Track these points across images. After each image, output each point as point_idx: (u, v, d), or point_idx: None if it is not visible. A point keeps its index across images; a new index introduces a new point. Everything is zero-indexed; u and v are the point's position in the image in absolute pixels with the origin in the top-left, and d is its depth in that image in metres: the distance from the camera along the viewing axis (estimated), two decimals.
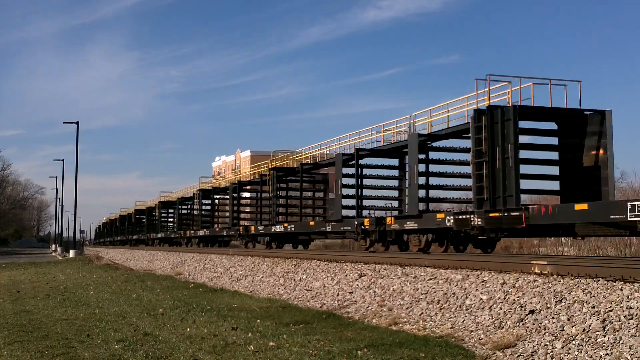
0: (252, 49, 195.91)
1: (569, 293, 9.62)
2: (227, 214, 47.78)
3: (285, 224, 31.68)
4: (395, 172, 27.04)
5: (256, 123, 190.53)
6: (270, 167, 35.17)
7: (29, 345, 9.76)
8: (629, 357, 7.35)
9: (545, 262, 11.84)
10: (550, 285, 10.26)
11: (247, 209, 44.12)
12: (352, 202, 26.52)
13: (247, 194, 46.08)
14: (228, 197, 46.27)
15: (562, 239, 30.97)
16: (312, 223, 29.86)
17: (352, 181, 26.36)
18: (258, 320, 11.82)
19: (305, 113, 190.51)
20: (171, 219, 63.24)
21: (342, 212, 26.24)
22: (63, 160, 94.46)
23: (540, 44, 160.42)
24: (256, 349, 8.99)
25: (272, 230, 32.61)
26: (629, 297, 8.71)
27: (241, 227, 37.33)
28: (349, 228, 24.90)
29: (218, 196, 49.52)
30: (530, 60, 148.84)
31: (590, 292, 9.36)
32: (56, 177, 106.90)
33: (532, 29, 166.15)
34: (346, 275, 15.99)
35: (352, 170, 26.35)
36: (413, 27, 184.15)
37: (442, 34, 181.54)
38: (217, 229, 44.05)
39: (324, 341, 9.48)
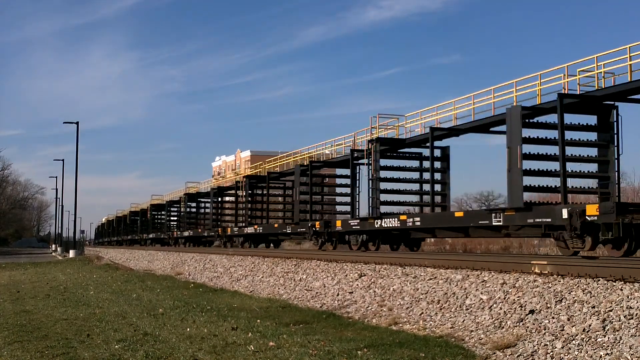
0: (252, 49, 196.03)
1: (569, 293, 9.63)
2: (281, 206, 41.64)
3: (404, 217, 23.39)
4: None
5: (256, 123, 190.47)
6: (370, 137, 25.79)
7: (29, 345, 9.76)
8: (629, 357, 7.35)
9: (545, 262, 11.84)
10: (550, 285, 10.26)
11: (316, 198, 34.92)
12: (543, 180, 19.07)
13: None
14: (281, 185, 40.44)
15: None
16: (459, 214, 21.55)
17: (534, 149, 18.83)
18: (258, 320, 11.82)
19: (305, 113, 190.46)
20: (188, 216, 56.22)
21: (523, 197, 18.20)
22: (63, 160, 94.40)
23: (541, 44, 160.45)
24: (256, 349, 8.99)
25: (377, 226, 24.36)
26: (629, 297, 8.71)
27: (317, 222, 28.94)
28: (548, 220, 16.93)
29: (263, 185, 40.69)
30: (531, 60, 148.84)
31: (590, 292, 9.36)
32: (56, 177, 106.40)
33: (532, 28, 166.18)
34: (346, 275, 15.99)
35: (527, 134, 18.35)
36: (413, 27, 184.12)
37: (442, 34, 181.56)
38: (276, 226, 35.24)
39: (324, 341, 9.48)
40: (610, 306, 8.63)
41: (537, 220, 17.36)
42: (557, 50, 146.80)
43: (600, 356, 7.58)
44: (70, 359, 8.72)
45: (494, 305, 10.50)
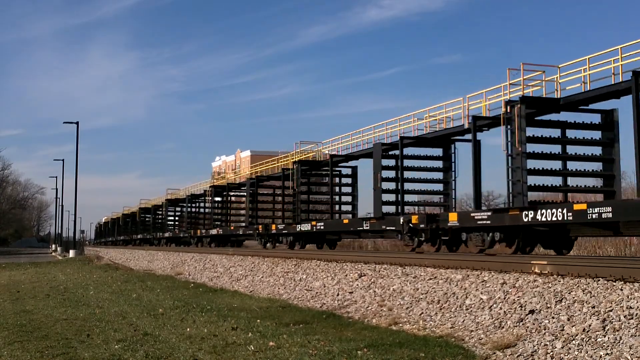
0: (253, 49, 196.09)
1: (569, 293, 9.63)
2: (241, 211, 47.60)
3: (314, 222, 29.43)
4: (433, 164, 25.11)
5: (256, 123, 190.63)
6: (293, 160, 32.79)
7: (29, 345, 9.76)
8: (629, 357, 7.35)
9: (545, 262, 11.84)
10: (550, 285, 10.26)
11: (265, 206, 41.95)
12: (391, 197, 25.07)
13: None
14: (242, 193, 45.32)
15: None
16: (345, 221, 27.63)
17: (390, 174, 25.10)
18: (258, 320, 11.82)
19: (306, 113, 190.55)
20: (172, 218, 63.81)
21: (382, 209, 24.23)
22: (63, 160, 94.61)
23: (542, 44, 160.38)
24: (256, 349, 8.99)
25: (298, 230, 30.21)
26: (629, 297, 8.71)
27: (260, 226, 35.02)
28: (392, 227, 22.76)
29: (232, 193, 48.23)
30: (532, 60, 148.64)
31: (590, 292, 9.36)
32: (56, 177, 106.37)
33: (534, 28, 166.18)
34: (346, 275, 15.99)
35: (390, 162, 25.12)
36: (415, 26, 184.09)
37: (443, 33, 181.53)
38: (232, 228, 42.17)
39: (324, 341, 9.48)
40: (610, 306, 8.63)
41: (389, 227, 23.04)
42: (558, 50, 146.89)
43: (600, 356, 7.58)
44: (70, 359, 8.72)
45: (494, 305, 10.50)
